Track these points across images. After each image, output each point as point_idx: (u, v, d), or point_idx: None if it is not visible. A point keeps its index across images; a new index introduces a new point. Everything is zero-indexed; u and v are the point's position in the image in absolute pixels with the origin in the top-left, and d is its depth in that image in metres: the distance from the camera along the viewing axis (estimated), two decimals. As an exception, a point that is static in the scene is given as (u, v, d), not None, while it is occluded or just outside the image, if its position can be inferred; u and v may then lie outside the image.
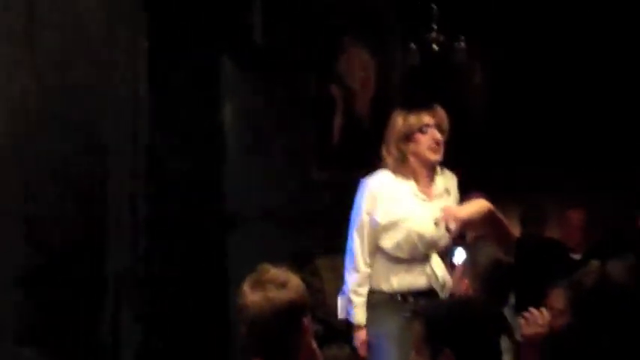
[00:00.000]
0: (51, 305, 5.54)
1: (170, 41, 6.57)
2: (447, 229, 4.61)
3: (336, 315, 7.34)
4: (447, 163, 4.85)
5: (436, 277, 4.75)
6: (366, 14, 7.55)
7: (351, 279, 4.92)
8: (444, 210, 4.60)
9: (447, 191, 4.85)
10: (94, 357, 5.78)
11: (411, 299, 4.77)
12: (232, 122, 7.13)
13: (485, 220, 4.65)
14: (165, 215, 6.32)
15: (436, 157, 4.73)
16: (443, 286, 4.77)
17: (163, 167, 6.46)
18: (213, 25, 6.79)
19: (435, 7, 7.55)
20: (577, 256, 7.02)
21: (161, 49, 6.48)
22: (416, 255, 4.75)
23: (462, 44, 7.70)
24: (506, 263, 4.55)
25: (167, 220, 6.32)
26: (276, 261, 3.78)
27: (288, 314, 3.23)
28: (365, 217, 4.81)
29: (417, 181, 4.77)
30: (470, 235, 5.29)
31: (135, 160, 6.26)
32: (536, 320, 4.16)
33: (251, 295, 3.24)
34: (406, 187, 4.75)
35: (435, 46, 7.60)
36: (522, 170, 8.79)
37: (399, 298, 4.80)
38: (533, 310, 4.20)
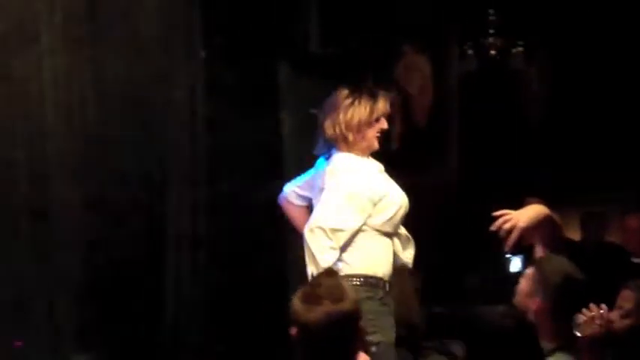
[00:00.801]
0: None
1: (227, 49, 6.64)
2: (506, 237, 4.57)
3: (399, 323, 7.38)
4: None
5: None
6: (423, 20, 7.55)
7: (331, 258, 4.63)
8: (504, 218, 4.56)
9: (380, 171, 4.89)
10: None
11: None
12: (289, 129, 7.17)
13: (542, 225, 4.60)
14: (222, 224, 6.38)
15: (377, 145, 4.80)
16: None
17: (220, 174, 6.53)
18: (270, 33, 6.85)
19: (492, 12, 7.55)
20: (638, 260, 6.96)
21: (218, 57, 6.55)
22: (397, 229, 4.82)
23: (520, 49, 7.68)
24: (579, 279, 4.41)
25: (224, 230, 6.38)
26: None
27: (347, 326, 3.24)
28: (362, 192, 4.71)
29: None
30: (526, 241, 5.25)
31: (192, 168, 6.33)
32: (596, 319, 4.08)
33: (308, 313, 3.23)
34: (369, 164, 4.79)
35: (492, 52, 7.59)
36: (582, 175, 8.73)
37: (385, 287, 4.95)
38: (593, 307, 4.10)
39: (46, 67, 5.59)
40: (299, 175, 7.10)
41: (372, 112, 4.70)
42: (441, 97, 7.66)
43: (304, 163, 7.19)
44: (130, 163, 5.95)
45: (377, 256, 4.79)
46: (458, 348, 7.07)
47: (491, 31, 7.54)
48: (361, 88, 4.79)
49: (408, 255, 5.00)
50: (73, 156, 5.67)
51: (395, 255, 4.93)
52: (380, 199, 4.72)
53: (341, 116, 4.72)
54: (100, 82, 5.84)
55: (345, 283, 3.40)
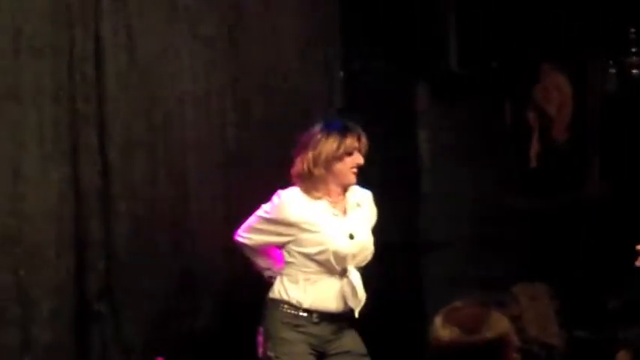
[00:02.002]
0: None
1: (365, 70, 6.67)
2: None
3: (535, 342, 7.29)
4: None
5: (355, 291, 4.82)
6: (563, 40, 7.45)
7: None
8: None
9: (359, 205, 5.00)
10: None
11: (322, 322, 4.90)
12: (427, 147, 7.15)
13: None
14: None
15: (354, 180, 4.96)
16: (360, 301, 4.89)
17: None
18: (409, 53, 6.86)
19: (633, 30, 7.40)
20: None
21: (357, 77, 6.59)
22: (332, 270, 4.86)
23: (663, 67, 7.49)
24: None
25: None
26: (472, 287, 3.78)
27: (496, 350, 3.17)
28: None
29: (329, 198, 4.93)
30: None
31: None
32: None
33: (440, 328, 3.14)
34: (318, 205, 4.89)
35: (634, 71, 7.44)
36: None
37: (313, 318, 4.91)
38: None
39: (187, 89, 5.69)
40: (436, 189, 7.12)
41: (339, 147, 4.87)
42: (582, 117, 7.53)
43: (442, 182, 7.21)
44: (270, 185, 6.01)
45: (306, 288, 4.92)
46: (599, 372, 6.96)
47: (632, 50, 7.38)
48: (334, 126, 4.96)
49: (354, 304, 4.93)
50: (214, 174, 5.76)
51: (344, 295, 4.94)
52: (301, 228, 4.88)
53: (310, 153, 4.91)
54: (239, 103, 5.92)
55: (493, 318, 3.27)
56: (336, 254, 4.86)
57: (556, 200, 7.54)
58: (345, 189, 5.00)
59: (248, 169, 5.88)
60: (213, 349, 5.68)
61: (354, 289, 4.89)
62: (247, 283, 5.65)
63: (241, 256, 5.30)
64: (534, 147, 7.65)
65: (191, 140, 5.70)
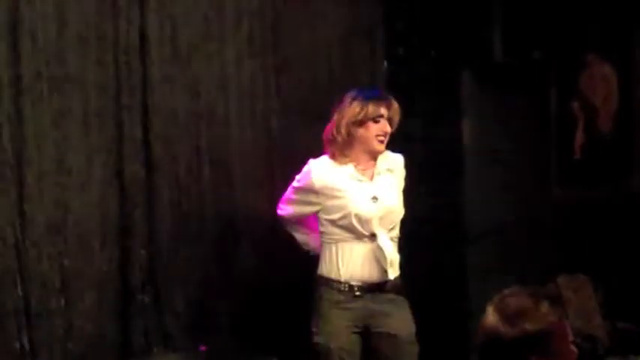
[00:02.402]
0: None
1: (409, 59, 6.64)
2: None
3: (578, 334, 7.25)
4: None
5: (384, 255, 4.79)
6: (608, 28, 7.38)
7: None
8: None
9: (390, 170, 4.98)
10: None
11: (362, 294, 4.89)
12: (471, 137, 7.12)
13: None
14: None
15: (381, 147, 4.93)
16: (391, 263, 4.86)
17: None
18: (453, 43, 6.82)
19: (682, 18, 7.31)
20: None
21: (401, 65, 6.56)
22: (359, 235, 4.83)
23: None
24: None
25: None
26: (512, 277, 3.75)
27: (538, 343, 3.15)
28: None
29: (356, 164, 4.92)
30: None
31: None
32: None
33: (487, 316, 3.18)
34: (344, 170, 4.88)
35: (681, 60, 7.36)
36: None
37: (355, 292, 4.91)
38: None
39: (230, 79, 5.68)
40: (480, 179, 7.08)
41: (360, 112, 4.87)
42: (628, 108, 7.46)
43: (485, 172, 7.18)
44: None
45: (340, 259, 4.93)
46: (642, 364, 6.91)
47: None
48: (363, 92, 4.98)
49: (391, 270, 4.90)
50: (257, 164, 5.76)
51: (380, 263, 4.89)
52: (325, 194, 4.93)
53: (335, 117, 4.94)
54: (283, 93, 5.91)
55: (540, 308, 3.24)
56: (358, 217, 4.85)
57: (600, 191, 7.48)
58: (373, 156, 4.95)
59: (291, 159, 5.84)
60: (255, 337, 5.68)
61: (382, 252, 4.86)
62: (290, 273, 5.67)
63: (285, 243, 5.31)
64: (579, 138, 7.58)
65: (234, 130, 5.69)
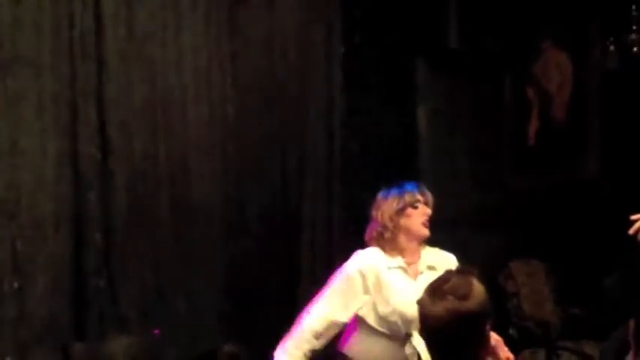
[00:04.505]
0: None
1: (365, 45, 6.66)
2: None
3: (531, 319, 7.32)
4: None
5: (419, 356, 4.66)
6: (563, 16, 7.44)
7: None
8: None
9: (431, 267, 4.80)
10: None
11: None
12: (425, 124, 7.15)
13: None
14: (358, 217, 6.39)
15: (426, 232, 4.81)
16: None
17: (357, 167, 6.56)
18: (408, 29, 6.84)
19: (634, 8, 7.37)
20: None
21: (356, 51, 6.58)
22: (397, 333, 4.71)
23: (664, 46, 7.48)
24: None
25: (360, 222, 6.39)
26: (467, 264, 3.78)
27: (470, 325, 3.16)
28: (357, 284, 4.73)
29: (404, 257, 4.79)
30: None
31: (329, 160, 6.36)
32: None
33: (431, 306, 3.21)
34: (395, 263, 4.77)
35: (634, 49, 7.42)
36: None
37: None
38: None
39: (187, 64, 5.69)
40: (434, 166, 7.10)
41: (398, 202, 4.79)
42: (582, 95, 7.53)
43: (439, 158, 7.23)
44: (268, 160, 6.02)
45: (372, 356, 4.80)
46: (593, 349, 6.99)
47: (633, 28, 7.36)
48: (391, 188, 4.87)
49: None
50: (213, 150, 5.77)
51: None
52: (377, 285, 4.73)
53: (375, 216, 4.83)
54: (239, 78, 5.92)
55: (477, 283, 3.34)
56: (404, 317, 4.77)
57: (553, 178, 7.55)
58: (419, 242, 4.87)
59: (247, 145, 5.88)
60: (209, 324, 5.70)
61: (416, 351, 4.81)
62: (246, 257, 5.69)
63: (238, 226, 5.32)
64: (533, 124, 7.65)
65: (191, 116, 5.69)
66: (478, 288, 3.23)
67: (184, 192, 5.64)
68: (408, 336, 4.75)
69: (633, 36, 7.42)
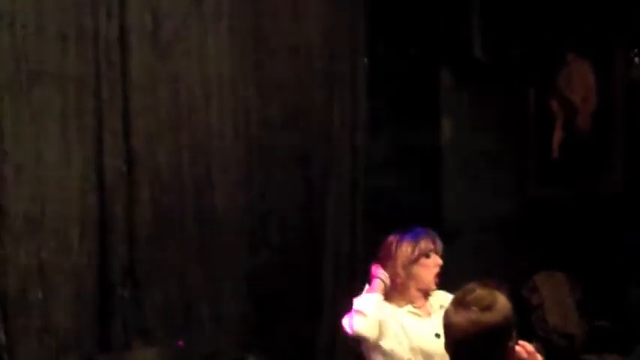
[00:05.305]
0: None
1: (389, 54, 6.65)
2: None
3: (555, 331, 7.28)
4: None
5: None
6: (588, 27, 7.42)
7: None
8: None
9: (442, 307, 4.58)
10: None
11: None
12: (449, 134, 7.14)
13: None
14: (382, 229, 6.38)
15: (435, 284, 4.79)
16: None
17: (381, 178, 6.54)
18: (433, 39, 6.84)
19: (659, 19, 7.35)
20: None
21: (380, 62, 6.57)
22: None
23: (689, 57, 7.45)
24: None
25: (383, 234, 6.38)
26: (492, 276, 3.76)
27: (492, 337, 3.17)
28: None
29: (412, 303, 4.78)
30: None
31: (353, 172, 6.34)
32: None
33: (455, 316, 3.22)
34: (402, 310, 4.75)
35: (659, 60, 7.40)
36: None
37: None
38: None
39: (211, 75, 5.69)
40: (459, 178, 7.10)
41: (413, 250, 4.75)
42: (607, 107, 7.50)
43: (463, 169, 7.21)
44: (292, 171, 6.01)
45: None
46: (617, 362, 6.96)
47: (658, 39, 7.35)
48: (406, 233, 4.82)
49: None
50: (237, 161, 5.76)
51: None
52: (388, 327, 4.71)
53: (388, 262, 4.78)
54: (264, 89, 5.91)
55: (501, 295, 3.33)
56: (425, 353, 4.74)
57: (577, 190, 7.52)
58: (426, 293, 4.85)
59: (271, 157, 5.86)
60: (236, 333, 5.69)
61: None
62: (270, 268, 5.68)
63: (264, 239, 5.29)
64: (557, 136, 7.62)
65: (215, 126, 5.69)
66: (502, 300, 3.24)
67: (208, 203, 5.64)
68: None
69: (658, 47, 7.41)
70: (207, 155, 5.65)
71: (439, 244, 4.85)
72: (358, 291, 4.76)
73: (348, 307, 4.67)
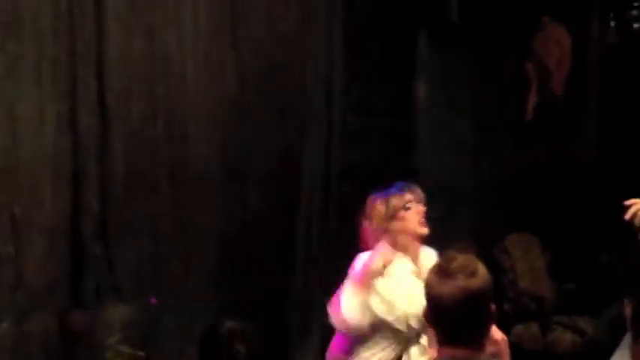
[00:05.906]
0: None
1: (367, 16, 6.63)
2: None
3: (525, 294, 7.33)
4: None
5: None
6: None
7: None
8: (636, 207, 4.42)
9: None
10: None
11: None
12: (425, 96, 7.14)
13: None
14: (355, 191, 6.39)
15: (425, 230, 4.71)
16: None
17: (357, 142, 6.54)
18: (411, 2, 6.82)
19: (636, -17, 7.38)
20: None
21: (357, 24, 6.54)
22: (409, 333, 4.64)
23: (664, 22, 7.48)
24: None
25: (358, 195, 6.39)
26: (464, 238, 3.79)
27: (479, 302, 3.16)
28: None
29: (409, 256, 4.72)
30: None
31: (329, 137, 6.34)
32: None
33: (442, 286, 3.18)
34: (402, 264, 4.70)
35: (635, 24, 7.43)
36: None
37: None
38: None
39: (187, 32, 5.65)
40: (434, 139, 7.10)
41: (387, 208, 4.69)
42: (581, 70, 7.52)
43: (438, 131, 7.22)
44: (268, 127, 6.00)
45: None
46: (586, 324, 7.01)
47: (634, 4, 7.37)
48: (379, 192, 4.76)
49: None
50: (212, 117, 5.74)
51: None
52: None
53: (368, 225, 4.75)
54: (239, 45, 5.88)
55: (478, 260, 3.33)
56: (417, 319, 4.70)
57: (550, 153, 7.55)
58: (419, 240, 4.76)
59: (246, 115, 5.85)
60: (205, 292, 5.69)
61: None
62: (243, 227, 5.67)
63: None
64: (532, 100, 7.64)
65: (190, 83, 5.66)
66: (481, 265, 3.23)
67: (183, 160, 5.62)
68: (418, 336, 4.70)
69: (634, 12, 7.42)
70: (182, 112, 5.61)
71: (419, 193, 4.80)
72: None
73: (330, 291, 4.67)
